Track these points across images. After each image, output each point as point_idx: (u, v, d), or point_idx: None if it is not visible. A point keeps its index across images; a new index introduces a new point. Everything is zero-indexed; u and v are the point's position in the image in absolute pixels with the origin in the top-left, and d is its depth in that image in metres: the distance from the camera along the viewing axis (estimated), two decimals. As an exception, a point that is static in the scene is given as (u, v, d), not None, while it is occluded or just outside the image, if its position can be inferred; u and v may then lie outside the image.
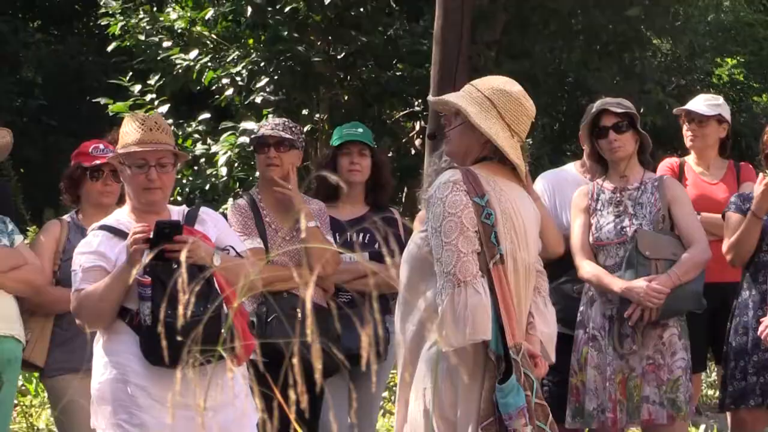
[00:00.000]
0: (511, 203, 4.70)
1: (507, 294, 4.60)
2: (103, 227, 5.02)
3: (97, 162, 6.24)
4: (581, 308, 6.13)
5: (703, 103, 6.96)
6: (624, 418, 6.00)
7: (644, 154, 6.22)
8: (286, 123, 6.48)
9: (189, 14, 12.29)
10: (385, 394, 9.43)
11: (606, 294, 6.08)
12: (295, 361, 2.57)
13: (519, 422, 4.50)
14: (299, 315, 6.11)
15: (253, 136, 6.58)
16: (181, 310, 2.60)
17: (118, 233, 4.97)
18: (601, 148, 6.20)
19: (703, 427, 9.42)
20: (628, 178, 6.18)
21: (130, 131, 5.00)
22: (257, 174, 11.36)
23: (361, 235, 6.53)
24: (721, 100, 7.11)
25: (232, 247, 5.06)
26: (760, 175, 6.23)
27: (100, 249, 4.95)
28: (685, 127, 6.99)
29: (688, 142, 6.97)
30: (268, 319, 6.01)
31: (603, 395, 6.00)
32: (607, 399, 5.99)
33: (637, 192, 6.14)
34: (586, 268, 6.10)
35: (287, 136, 6.32)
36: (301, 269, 6.07)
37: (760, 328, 6.06)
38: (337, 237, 6.35)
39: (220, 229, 5.13)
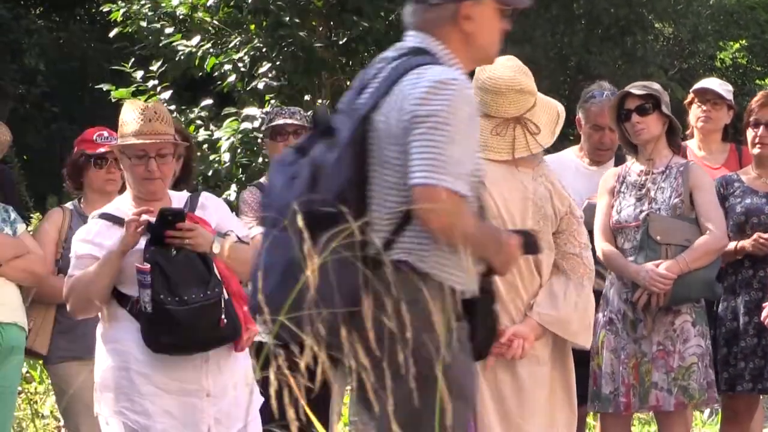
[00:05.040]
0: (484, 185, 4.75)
1: None
2: (103, 215, 5.02)
3: (101, 150, 6.21)
4: (603, 291, 6.11)
5: (719, 86, 6.88)
6: (636, 402, 5.95)
7: (674, 136, 6.16)
8: (301, 112, 6.61)
9: (190, 0, 12.28)
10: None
11: (623, 278, 6.06)
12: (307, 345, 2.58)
13: None
14: None
15: (270, 124, 6.59)
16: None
17: (118, 221, 4.95)
18: (627, 132, 6.15)
19: (707, 412, 9.41)
20: (654, 162, 6.10)
21: (129, 121, 4.98)
22: (260, 160, 11.47)
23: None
24: (730, 87, 7.05)
25: (234, 232, 5.05)
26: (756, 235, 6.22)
27: (97, 239, 4.94)
28: (696, 108, 6.87)
29: (698, 123, 6.83)
30: None
31: (618, 379, 5.96)
32: (621, 383, 5.95)
33: (661, 176, 6.09)
34: (603, 250, 6.08)
35: (305, 124, 6.43)
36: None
37: (764, 313, 6.06)
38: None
39: (221, 214, 5.12)
